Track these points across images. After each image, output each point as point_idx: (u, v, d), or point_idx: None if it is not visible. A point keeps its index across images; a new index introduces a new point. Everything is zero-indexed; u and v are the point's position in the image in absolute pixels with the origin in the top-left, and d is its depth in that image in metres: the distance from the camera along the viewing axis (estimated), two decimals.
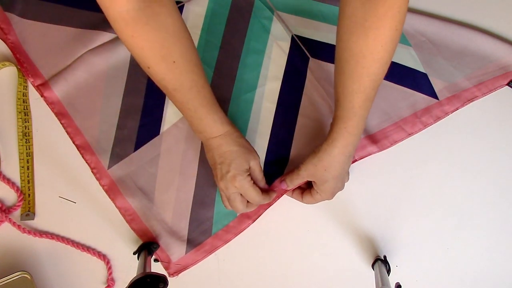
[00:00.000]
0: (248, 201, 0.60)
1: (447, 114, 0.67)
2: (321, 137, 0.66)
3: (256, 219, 0.64)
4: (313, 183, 0.60)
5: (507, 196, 0.66)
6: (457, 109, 0.67)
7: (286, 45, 0.69)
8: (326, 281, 0.64)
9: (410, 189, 0.66)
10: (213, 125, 0.57)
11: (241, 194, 0.58)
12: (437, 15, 0.70)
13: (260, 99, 0.67)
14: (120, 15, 0.47)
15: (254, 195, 0.58)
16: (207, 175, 0.65)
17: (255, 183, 0.59)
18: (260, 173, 0.60)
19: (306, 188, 0.62)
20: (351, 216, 0.65)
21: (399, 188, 0.66)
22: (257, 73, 0.68)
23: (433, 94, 0.67)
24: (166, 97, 0.67)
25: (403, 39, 0.69)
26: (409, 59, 0.68)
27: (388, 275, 0.60)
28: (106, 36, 0.67)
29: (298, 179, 0.60)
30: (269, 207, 0.64)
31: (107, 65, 0.67)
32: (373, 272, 0.62)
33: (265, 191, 0.61)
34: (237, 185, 0.57)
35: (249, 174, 0.58)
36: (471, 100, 0.67)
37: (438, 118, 0.66)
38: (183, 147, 0.66)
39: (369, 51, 0.48)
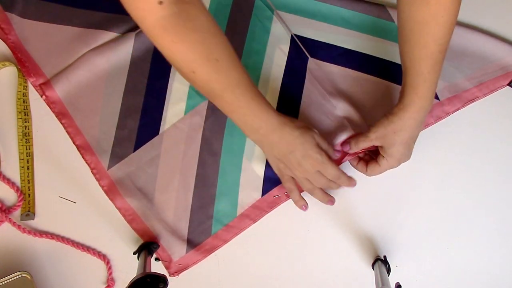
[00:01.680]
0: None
1: (447, 114, 0.66)
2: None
3: (257, 220, 0.64)
4: (380, 149, 0.60)
5: (507, 196, 0.65)
6: (457, 109, 0.67)
7: (286, 46, 0.69)
8: (326, 281, 0.64)
9: (410, 189, 0.66)
10: (268, 117, 0.55)
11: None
12: None
13: None
14: (157, 22, 0.46)
15: (333, 169, 0.58)
16: (207, 175, 0.65)
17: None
18: (325, 143, 0.60)
19: (370, 160, 0.62)
20: (351, 216, 0.65)
21: (399, 188, 0.66)
22: (257, 74, 0.68)
23: None
24: (166, 97, 0.67)
25: None
26: None
27: (388, 275, 0.60)
28: (107, 35, 0.67)
29: (365, 142, 0.60)
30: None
31: (108, 65, 0.67)
32: (373, 272, 0.62)
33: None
34: (315, 163, 0.57)
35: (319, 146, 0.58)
36: (471, 100, 0.67)
37: (439, 118, 0.66)
38: (183, 148, 0.66)
39: (432, 16, 0.49)
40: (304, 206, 0.63)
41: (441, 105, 0.67)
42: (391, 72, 0.68)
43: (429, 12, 0.49)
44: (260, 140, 0.58)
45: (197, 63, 0.50)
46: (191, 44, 0.48)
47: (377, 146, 0.61)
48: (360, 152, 0.62)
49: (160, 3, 0.45)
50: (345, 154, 0.63)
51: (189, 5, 0.48)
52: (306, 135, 0.57)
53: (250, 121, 0.55)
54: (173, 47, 0.48)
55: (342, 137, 0.64)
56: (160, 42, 0.48)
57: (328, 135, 0.66)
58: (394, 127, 0.57)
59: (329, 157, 0.59)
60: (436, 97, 0.67)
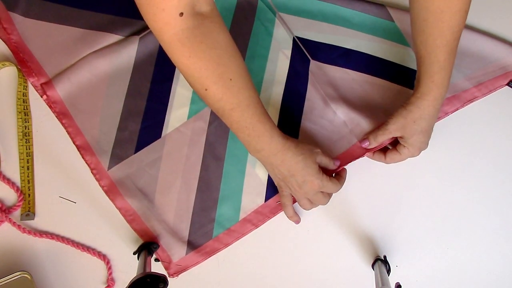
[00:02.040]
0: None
1: (447, 114, 0.67)
2: (324, 142, 0.66)
3: (259, 225, 0.64)
4: (399, 139, 0.60)
5: (507, 196, 0.66)
6: (457, 109, 0.67)
7: (288, 49, 0.69)
8: (326, 281, 0.64)
9: (410, 189, 0.66)
10: (271, 141, 0.55)
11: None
12: None
13: (265, 106, 0.67)
14: (175, 36, 0.46)
15: (333, 186, 0.59)
16: (210, 179, 0.65)
17: (326, 169, 0.60)
18: (327, 159, 0.60)
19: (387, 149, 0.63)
20: (351, 216, 0.65)
21: (399, 188, 0.66)
22: (260, 78, 0.68)
23: None
24: (169, 101, 0.67)
25: (403, 39, 0.69)
26: (409, 59, 0.68)
27: (388, 275, 0.60)
28: (111, 38, 0.67)
29: (384, 135, 0.60)
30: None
31: (110, 67, 0.66)
32: (373, 272, 0.62)
33: (337, 174, 0.62)
34: (316, 187, 0.58)
35: (320, 169, 0.59)
36: (471, 100, 0.67)
37: (438, 118, 0.66)
38: (185, 151, 0.66)
39: (447, 5, 0.50)
40: (297, 221, 0.64)
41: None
42: (390, 72, 0.68)
43: (443, 1, 0.50)
44: (262, 160, 0.58)
45: (211, 80, 0.49)
46: (207, 61, 0.48)
47: (395, 138, 0.61)
48: (379, 147, 0.63)
49: (181, 14, 0.44)
50: (351, 158, 0.64)
51: (208, 21, 0.47)
52: (308, 160, 0.57)
53: (253, 142, 0.55)
54: (188, 62, 0.48)
55: (343, 143, 0.65)
56: (175, 56, 0.48)
57: (329, 142, 0.66)
58: (413, 116, 0.57)
59: (329, 175, 0.59)
60: None
